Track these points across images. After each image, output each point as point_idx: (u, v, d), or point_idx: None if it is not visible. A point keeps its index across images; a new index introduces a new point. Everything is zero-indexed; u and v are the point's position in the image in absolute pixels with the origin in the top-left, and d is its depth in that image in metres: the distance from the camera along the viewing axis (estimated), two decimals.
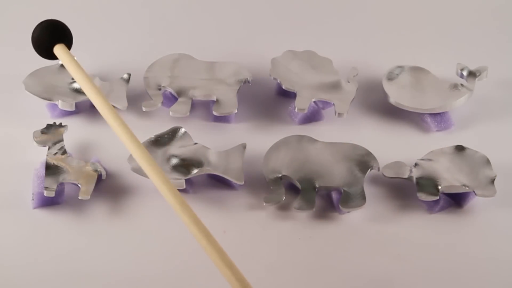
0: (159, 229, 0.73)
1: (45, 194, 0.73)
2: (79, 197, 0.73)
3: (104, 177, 0.75)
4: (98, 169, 0.75)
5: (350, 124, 0.82)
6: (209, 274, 0.68)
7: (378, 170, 0.76)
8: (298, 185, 0.75)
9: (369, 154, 0.77)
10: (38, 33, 0.78)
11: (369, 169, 0.76)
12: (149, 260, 0.70)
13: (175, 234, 0.72)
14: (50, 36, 0.77)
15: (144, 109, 0.81)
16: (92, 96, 0.72)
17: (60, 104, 0.81)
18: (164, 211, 0.73)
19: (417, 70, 0.85)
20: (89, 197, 0.73)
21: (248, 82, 0.84)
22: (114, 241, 0.72)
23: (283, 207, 0.75)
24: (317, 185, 0.74)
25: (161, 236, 0.72)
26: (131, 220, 0.73)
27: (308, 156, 0.76)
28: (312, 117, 0.83)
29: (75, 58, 0.75)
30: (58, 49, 0.77)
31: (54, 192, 0.72)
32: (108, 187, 0.76)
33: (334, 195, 0.75)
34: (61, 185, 0.74)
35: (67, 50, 0.77)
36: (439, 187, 0.73)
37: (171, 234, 0.72)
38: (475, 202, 0.75)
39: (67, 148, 0.77)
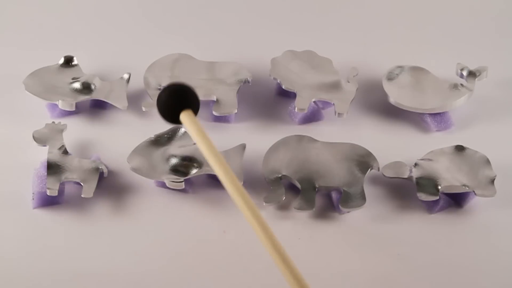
0: (161, 227, 0.73)
1: (48, 193, 0.72)
2: (82, 195, 0.73)
3: (106, 174, 0.75)
4: (100, 167, 0.75)
5: (350, 124, 0.82)
6: (210, 272, 0.68)
7: (378, 170, 0.76)
8: (298, 185, 0.75)
9: (369, 154, 0.77)
10: (165, 97, 0.68)
11: (369, 169, 0.76)
12: (151, 258, 0.70)
13: (177, 232, 0.72)
14: (177, 102, 0.68)
15: (144, 109, 0.81)
16: (218, 171, 0.65)
17: (60, 104, 0.81)
18: (166, 209, 0.74)
19: (417, 70, 0.85)
20: (92, 195, 0.73)
21: (248, 82, 0.84)
22: (116, 240, 0.72)
23: (283, 207, 0.75)
24: (317, 185, 0.74)
25: (163, 234, 0.72)
26: (133, 218, 0.73)
27: (308, 156, 0.76)
28: (312, 117, 0.83)
29: (202, 127, 0.68)
30: (185, 116, 0.68)
31: (57, 191, 0.72)
32: (110, 185, 0.76)
33: (334, 195, 0.75)
34: (61, 184, 0.74)
35: (194, 117, 0.69)
36: (439, 187, 0.73)
37: (173, 232, 0.72)
38: (475, 202, 0.75)
39: (67, 148, 0.77)
